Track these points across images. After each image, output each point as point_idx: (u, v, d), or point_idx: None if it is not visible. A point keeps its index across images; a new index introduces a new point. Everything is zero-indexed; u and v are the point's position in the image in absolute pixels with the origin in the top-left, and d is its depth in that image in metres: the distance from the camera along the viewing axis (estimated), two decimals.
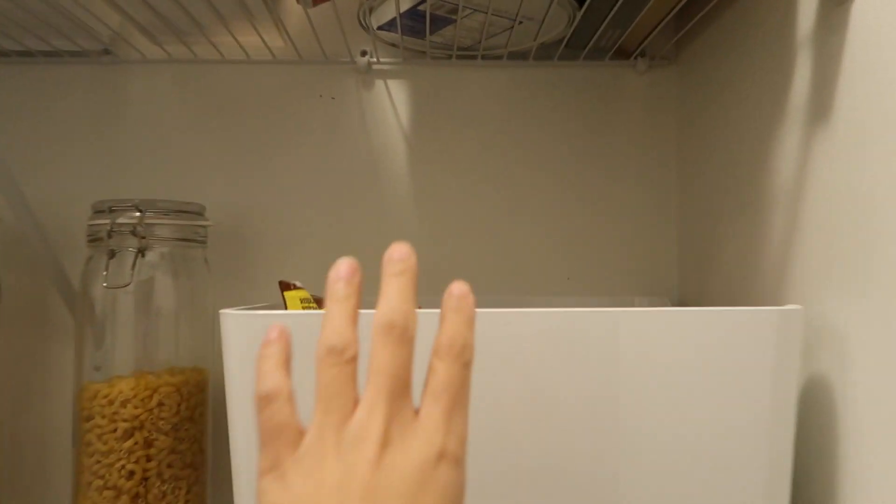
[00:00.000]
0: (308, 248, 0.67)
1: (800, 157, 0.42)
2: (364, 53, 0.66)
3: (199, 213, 0.57)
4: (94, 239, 0.54)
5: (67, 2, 0.55)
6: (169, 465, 0.52)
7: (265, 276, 0.66)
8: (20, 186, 0.56)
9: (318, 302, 0.44)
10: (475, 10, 0.55)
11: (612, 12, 0.54)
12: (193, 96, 0.67)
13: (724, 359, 0.36)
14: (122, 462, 0.51)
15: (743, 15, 0.52)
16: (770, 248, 0.47)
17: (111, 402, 0.51)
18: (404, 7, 0.55)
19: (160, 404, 0.52)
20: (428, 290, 0.70)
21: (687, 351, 0.36)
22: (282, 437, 0.26)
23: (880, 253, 0.36)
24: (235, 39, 0.61)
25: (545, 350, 0.36)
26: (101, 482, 0.51)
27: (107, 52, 0.66)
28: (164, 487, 0.52)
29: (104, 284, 0.51)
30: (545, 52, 0.65)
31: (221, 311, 0.37)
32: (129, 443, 0.51)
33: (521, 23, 0.57)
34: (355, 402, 0.26)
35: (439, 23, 0.58)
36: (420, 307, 0.28)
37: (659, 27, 0.58)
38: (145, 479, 0.51)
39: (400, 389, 0.26)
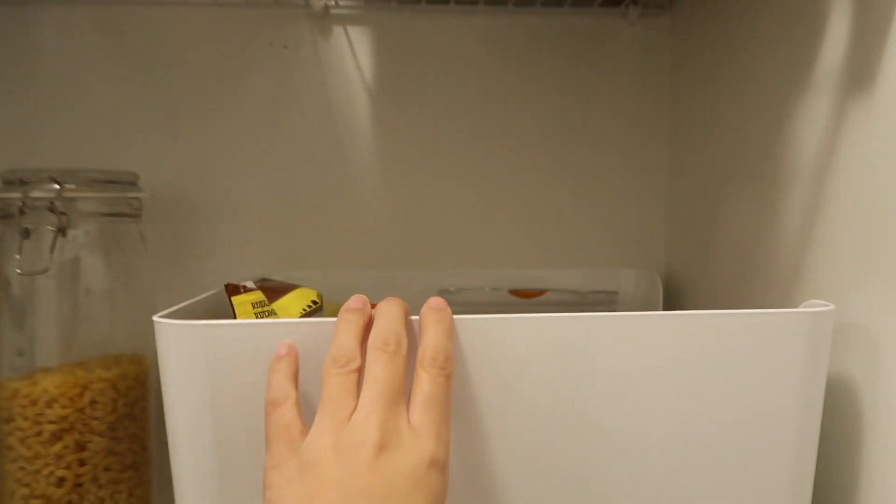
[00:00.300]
0: (258, 220, 0.60)
1: (829, 126, 0.36)
2: None
3: (131, 184, 0.50)
4: (3, 216, 0.46)
5: None
6: (106, 469, 0.47)
7: (210, 252, 0.60)
8: None
9: (274, 291, 0.38)
10: None
11: None
12: (120, 45, 0.58)
13: (750, 364, 0.32)
14: (50, 468, 0.45)
15: None
16: (784, 232, 0.42)
17: (34, 403, 0.45)
18: None
19: (93, 402, 0.46)
20: (400, 264, 0.64)
21: (711, 356, 0.32)
22: (287, 436, 0.28)
23: None
24: None
25: (541, 357, 0.31)
26: (26, 490, 0.45)
27: None
28: (102, 493, 0.46)
29: (17, 270, 0.44)
30: None
31: (155, 318, 0.31)
32: (57, 447, 0.45)
33: None
34: (354, 407, 0.28)
35: None
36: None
37: None
38: (78, 485, 0.46)
39: (395, 396, 0.28)
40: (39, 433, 0.45)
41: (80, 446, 0.46)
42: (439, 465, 0.27)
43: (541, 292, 0.57)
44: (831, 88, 0.36)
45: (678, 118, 0.60)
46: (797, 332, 0.32)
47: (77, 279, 0.48)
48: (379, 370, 0.28)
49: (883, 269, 0.33)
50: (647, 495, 0.33)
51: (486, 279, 0.59)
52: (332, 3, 0.59)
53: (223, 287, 0.35)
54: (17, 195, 0.45)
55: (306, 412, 0.29)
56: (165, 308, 0.36)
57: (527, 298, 0.57)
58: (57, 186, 0.45)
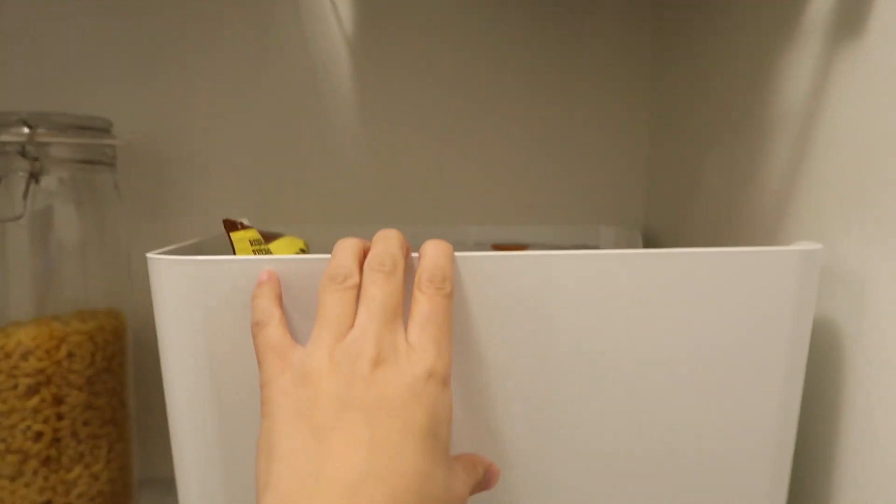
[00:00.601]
0: (235, 173, 0.59)
1: (817, 73, 0.37)
2: None
3: (105, 130, 0.48)
4: None
5: None
6: (85, 423, 0.46)
7: (186, 206, 0.58)
8: None
9: (263, 236, 0.37)
10: None
11: None
12: None
13: (738, 303, 0.32)
14: (26, 423, 0.44)
15: None
16: (767, 184, 0.42)
17: (8, 356, 0.43)
18: None
19: (70, 355, 0.45)
20: (380, 220, 0.63)
21: (694, 295, 0.32)
22: (276, 351, 0.28)
23: None
24: None
25: (531, 294, 0.31)
26: (2, 446, 0.44)
27: None
28: (81, 448, 0.45)
29: None
30: None
31: (149, 255, 0.30)
32: (34, 400, 0.44)
33: None
34: (352, 325, 0.28)
35: None
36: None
37: None
38: (56, 440, 0.45)
39: (391, 314, 0.28)
40: (15, 387, 0.44)
41: (58, 400, 0.44)
42: (438, 378, 0.27)
43: (523, 246, 0.57)
44: (820, 36, 0.37)
45: (659, 72, 0.60)
46: (786, 270, 0.32)
47: (50, 230, 0.47)
48: (375, 290, 0.28)
49: (868, 212, 0.34)
50: (633, 429, 0.33)
51: (468, 234, 0.58)
52: None
53: (221, 223, 0.34)
54: None
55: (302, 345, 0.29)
56: (140, 265, 0.35)
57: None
58: (28, 130, 0.43)
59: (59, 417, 0.44)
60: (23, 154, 0.43)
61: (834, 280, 0.36)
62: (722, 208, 0.49)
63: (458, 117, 0.60)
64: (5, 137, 0.43)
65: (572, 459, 0.33)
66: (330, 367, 0.26)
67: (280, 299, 0.29)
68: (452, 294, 0.29)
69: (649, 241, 0.62)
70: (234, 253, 0.33)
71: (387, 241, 0.30)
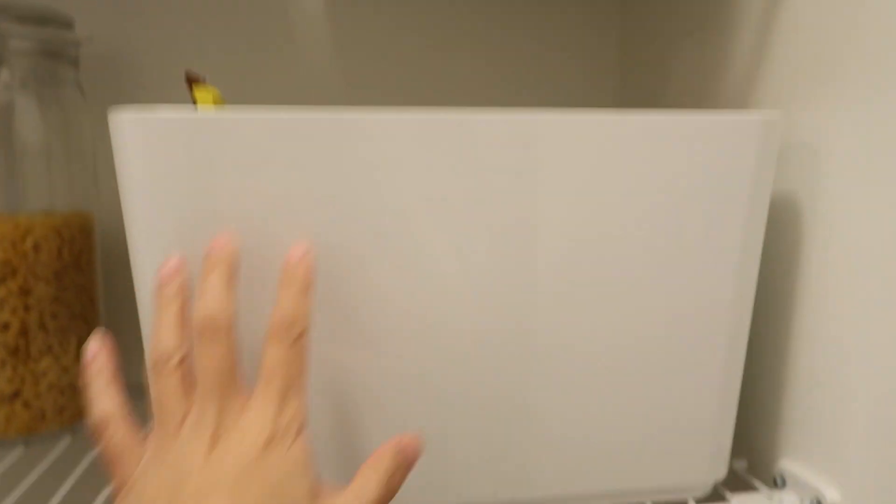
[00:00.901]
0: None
1: None
2: None
3: (68, 25, 0.48)
4: None
5: None
6: (53, 316, 0.46)
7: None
8: None
9: None
10: None
11: None
12: None
13: (694, 171, 0.33)
14: None
15: None
16: (735, 67, 0.44)
17: None
18: None
19: (36, 247, 0.45)
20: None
21: (653, 161, 0.33)
22: (124, 458, 0.27)
23: (862, 53, 0.34)
24: None
25: (486, 157, 0.32)
26: None
27: None
28: (50, 340, 0.46)
29: None
30: None
31: (114, 114, 0.30)
32: (0, 291, 0.44)
33: None
34: (189, 406, 0.27)
35: None
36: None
37: None
38: (25, 331, 0.45)
39: (226, 382, 0.27)
40: None
41: (25, 291, 0.45)
42: (282, 440, 0.26)
43: None
44: None
45: None
46: (746, 138, 0.33)
47: (11, 129, 0.46)
48: (204, 359, 0.27)
49: (827, 88, 0.36)
50: (589, 296, 0.34)
51: None
52: None
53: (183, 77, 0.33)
54: None
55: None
56: (107, 169, 0.34)
57: None
58: None
59: (27, 308, 0.45)
60: None
61: (793, 155, 0.38)
62: (690, 101, 0.51)
63: (431, 53, 0.61)
64: None
65: (533, 334, 0.34)
66: (171, 459, 0.26)
67: (118, 377, 0.29)
68: (304, 333, 0.28)
69: None
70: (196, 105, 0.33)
71: (209, 293, 0.27)
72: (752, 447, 0.43)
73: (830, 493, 0.36)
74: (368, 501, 0.27)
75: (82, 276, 0.48)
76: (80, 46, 0.49)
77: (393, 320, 0.33)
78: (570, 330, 0.35)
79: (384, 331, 0.33)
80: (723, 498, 0.39)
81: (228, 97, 0.60)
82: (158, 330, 0.28)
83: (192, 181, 0.30)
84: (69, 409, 0.47)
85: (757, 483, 0.40)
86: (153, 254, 0.30)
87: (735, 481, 0.40)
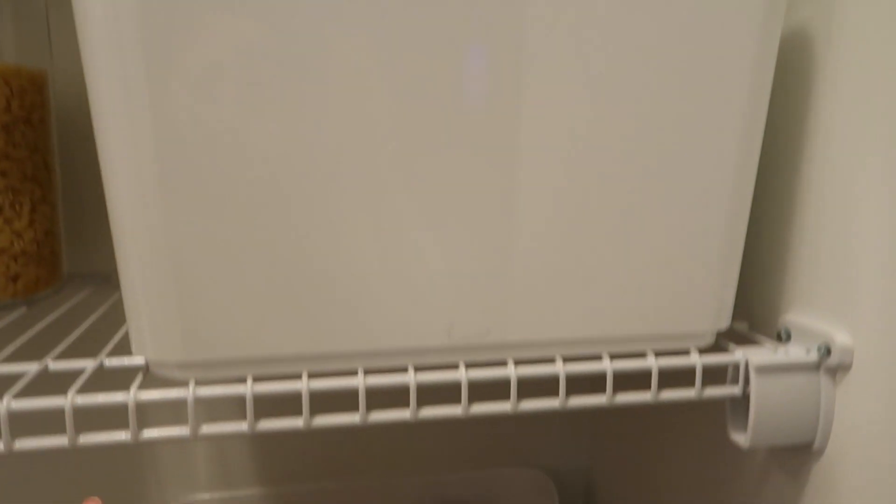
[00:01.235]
0: None
1: None
2: None
3: None
4: None
5: None
6: (2, 174, 0.42)
7: None
8: None
9: None
10: None
11: None
12: None
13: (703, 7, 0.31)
14: None
15: None
16: None
17: None
18: None
19: None
20: None
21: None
22: None
23: None
24: None
25: None
26: None
27: None
28: (1, 199, 0.42)
29: None
30: None
31: None
32: None
33: None
34: None
35: None
36: None
37: None
38: None
39: None
40: None
41: None
42: None
43: None
44: None
45: None
46: None
47: None
48: None
49: None
50: (583, 140, 0.32)
51: None
52: None
53: None
54: None
55: None
56: (61, 28, 0.29)
57: None
58: None
59: None
60: None
61: None
62: None
63: None
64: None
65: (519, 167, 0.32)
66: None
67: None
68: None
69: None
70: None
71: None
72: (754, 308, 0.41)
73: (840, 336, 0.35)
74: None
75: (34, 134, 0.44)
76: None
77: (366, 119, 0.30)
78: (564, 166, 0.32)
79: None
80: (725, 349, 0.37)
81: None
82: None
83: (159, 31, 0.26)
84: (24, 279, 0.44)
85: (760, 339, 0.39)
86: (119, 122, 0.27)
87: (737, 339, 0.39)
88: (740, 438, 0.37)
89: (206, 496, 0.60)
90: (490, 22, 0.29)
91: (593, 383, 0.35)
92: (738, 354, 0.36)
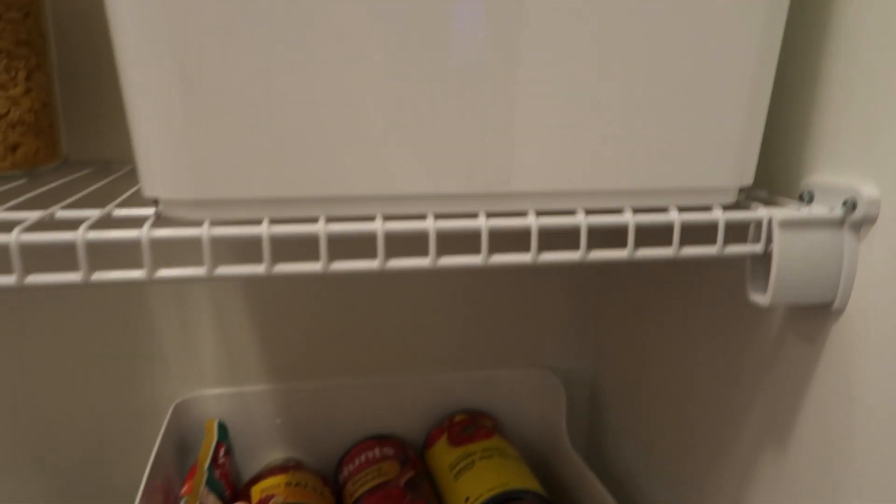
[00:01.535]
0: None
1: None
2: None
3: None
4: None
5: None
6: None
7: None
8: None
9: None
10: None
11: None
12: None
13: None
14: None
15: None
16: None
17: None
18: None
19: None
20: None
21: None
22: None
23: None
24: None
25: None
26: None
27: None
28: None
29: None
30: None
31: None
32: None
33: None
34: None
35: None
36: None
37: None
38: None
39: None
40: None
41: None
42: None
43: None
44: None
45: None
46: None
47: None
48: None
49: None
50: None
51: None
52: None
53: None
54: None
55: None
56: None
57: None
58: None
59: None
60: None
61: None
62: None
63: None
64: None
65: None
66: None
67: None
68: None
69: None
70: None
71: None
72: (775, 175, 0.40)
73: (867, 189, 0.34)
74: None
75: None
76: None
77: None
78: (584, 3, 0.30)
79: None
80: (748, 208, 0.36)
81: None
82: None
83: None
84: (24, 149, 0.42)
85: (783, 201, 0.38)
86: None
87: (759, 201, 0.38)
88: (759, 298, 0.36)
89: (212, 392, 0.60)
90: None
91: (613, 242, 0.34)
92: (762, 211, 0.35)
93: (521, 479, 0.55)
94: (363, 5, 0.28)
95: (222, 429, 0.60)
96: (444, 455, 0.60)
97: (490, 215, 0.32)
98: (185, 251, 0.30)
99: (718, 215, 0.34)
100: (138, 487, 0.45)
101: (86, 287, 0.28)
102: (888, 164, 0.33)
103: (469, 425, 0.62)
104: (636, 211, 0.34)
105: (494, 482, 0.54)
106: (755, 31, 0.33)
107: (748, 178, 0.36)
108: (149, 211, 0.32)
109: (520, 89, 0.31)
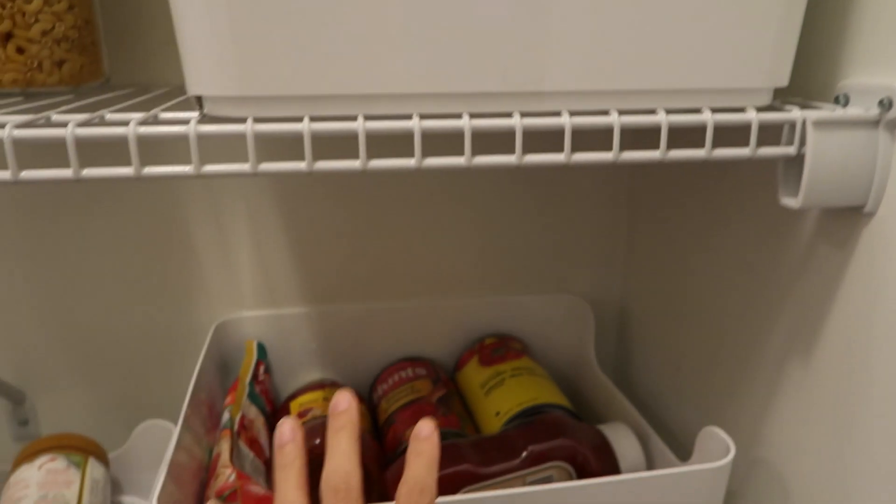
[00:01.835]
0: None
1: None
2: None
3: None
4: None
5: None
6: None
7: None
8: None
9: None
10: None
11: None
12: None
13: None
14: None
15: None
16: None
17: None
18: None
19: None
20: None
21: None
22: None
23: None
24: None
25: None
26: None
27: None
28: None
29: None
30: None
31: None
32: None
33: None
34: None
35: None
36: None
37: None
38: None
39: None
40: None
41: None
42: None
43: None
44: None
45: None
46: None
47: None
48: None
49: None
50: None
51: None
52: None
53: None
54: None
55: None
56: None
57: None
58: None
59: None
60: None
61: None
62: None
63: None
64: None
65: None
66: None
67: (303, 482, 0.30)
68: (433, 502, 0.30)
69: None
70: None
71: (337, 457, 0.29)
72: (810, 80, 0.40)
73: None
74: None
75: None
76: None
77: None
78: None
79: None
80: (783, 109, 0.36)
81: None
82: (279, 493, 0.29)
83: None
84: (69, 65, 0.43)
85: (817, 104, 0.38)
86: None
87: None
88: (790, 201, 0.37)
89: (251, 314, 0.63)
90: None
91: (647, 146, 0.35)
92: (796, 113, 0.35)
93: (550, 394, 0.57)
94: None
95: (261, 349, 0.62)
96: (475, 374, 0.62)
97: (524, 115, 0.33)
98: (227, 155, 0.31)
99: (752, 116, 0.34)
100: (182, 402, 0.48)
101: (138, 182, 0.30)
102: None
103: (499, 347, 0.64)
104: (669, 112, 0.34)
105: (524, 397, 0.56)
106: None
107: (783, 80, 0.36)
108: (193, 113, 0.33)
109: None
